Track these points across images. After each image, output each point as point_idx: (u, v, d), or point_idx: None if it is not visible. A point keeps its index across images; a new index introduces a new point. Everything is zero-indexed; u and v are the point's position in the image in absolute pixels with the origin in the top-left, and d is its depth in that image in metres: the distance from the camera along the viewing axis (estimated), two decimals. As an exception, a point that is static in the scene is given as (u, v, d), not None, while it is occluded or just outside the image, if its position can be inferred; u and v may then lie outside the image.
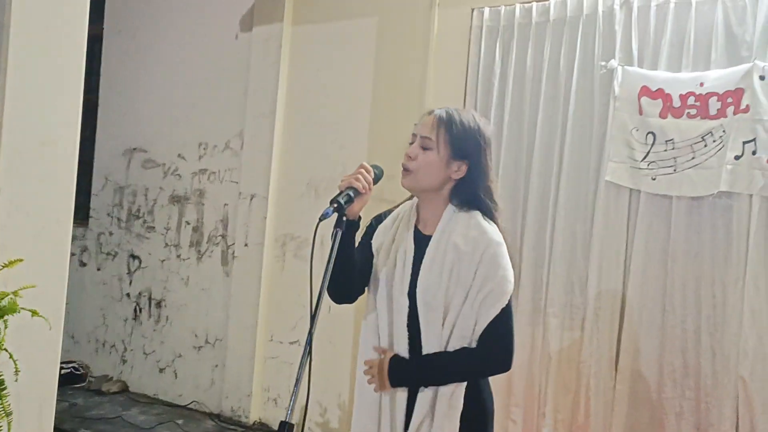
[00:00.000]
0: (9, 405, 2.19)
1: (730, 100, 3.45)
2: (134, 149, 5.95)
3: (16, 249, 2.36)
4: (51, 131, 2.54)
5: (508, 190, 4.07)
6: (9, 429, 2.23)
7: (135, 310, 5.87)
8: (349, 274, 2.19)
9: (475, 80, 4.29)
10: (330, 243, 2.06)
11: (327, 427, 4.83)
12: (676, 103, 3.60)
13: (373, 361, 2.17)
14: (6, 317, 2.27)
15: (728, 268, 3.45)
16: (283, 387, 5.08)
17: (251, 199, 5.21)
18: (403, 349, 2.15)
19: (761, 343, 3.36)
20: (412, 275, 2.15)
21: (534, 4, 4.09)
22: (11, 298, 2.26)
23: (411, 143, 2.21)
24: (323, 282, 1.99)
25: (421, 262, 2.15)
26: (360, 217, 2.17)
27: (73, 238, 2.65)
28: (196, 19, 5.66)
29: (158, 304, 5.74)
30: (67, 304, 2.66)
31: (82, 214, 6.01)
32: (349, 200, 2.06)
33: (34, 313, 2.01)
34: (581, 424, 3.79)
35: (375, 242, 2.29)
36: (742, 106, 3.40)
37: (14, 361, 2.24)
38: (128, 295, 5.92)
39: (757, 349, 3.35)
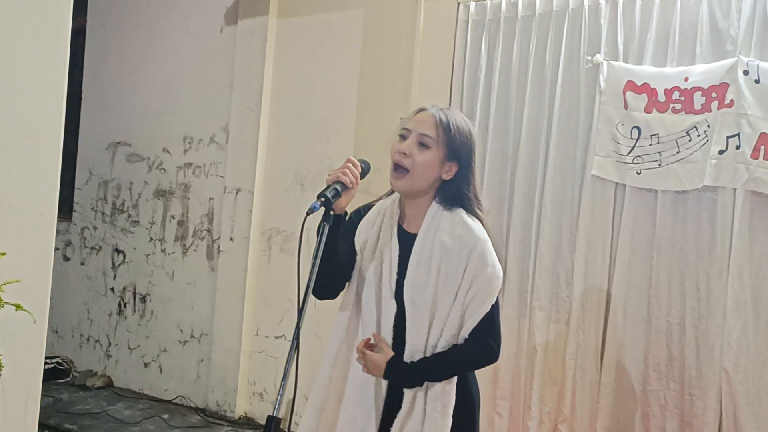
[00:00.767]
0: (-6, 400, 2.17)
1: (714, 94, 3.47)
2: (118, 143, 5.91)
3: (0, 243, 2.34)
4: (35, 124, 2.51)
5: (494, 184, 4.08)
6: (-6, 424, 2.21)
7: (119, 305, 5.84)
8: (334, 270, 2.19)
9: (461, 74, 4.30)
10: (316, 237, 2.05)
11: (313, 421, 4.83)
12: (661, 97, 3.62)
13: (368, 354, 2.15)
14: (-11, 312, 2.25)
15: (712, 261, 3.48)
16: (269, 381, 5.07)
17: (237, 193, 5.19)
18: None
19: (745, 335, 3.39)
20: (398, 275, 2.14)
21: (520, -2, 4.09)
22: (-6, 293, 2.24)
23: (402, 138, 2.18)
24: (310, 276, 1.98)
25: (406, 261, 2.15)
26: (346, 212, 2.16)
27: (57, 232, 2.62)
28: (180, 11, 5.62)
29: (143, 299, 5.71)
30: (50, 298, 2.64)
31: (65, 208, 5.97)
32: (337, 194, 2.05)
33: (18, 307, 1.99)
34: (567, 417, 3.81)
35: (358, 240, 2.26)
36: (727, 101, 3.42)
37: (-2, 356, 2.23)
38: (113, 289, 5.89)
39: (740, 341, 3.39)
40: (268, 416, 1.80)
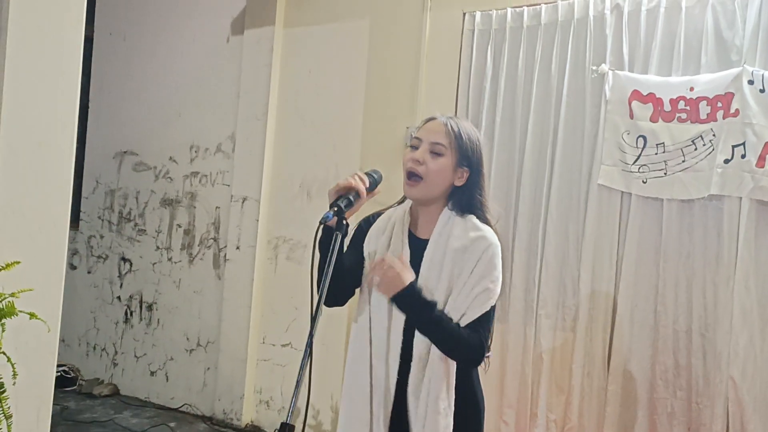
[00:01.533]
0: (9, 408, 2.19)
1: (720, 104, 3.48)
2: (125, 152, 5.95)
3: (13, 251, 2.36)
4: (48, 132, 2.54)
5: (500, 192, 4.10)
6: (8, 432, 2.23)
7: (126, 313, 5.86)
8: (339, 279, 2.19)
9: (467, 83, 4.32)
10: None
11: (320, 429, 4.84)
12: (667, 107, 3.64)
13: (396, 263, 2.12)
14: (3, 320, 2.27)
15: (719, 269, 3.49)
16: (276, 389, 5.08)
17: (243, 202, 5.21)
18: (395, 354, 2.17)
19: (751, 343, 3.39)
20: None
21: (525, 8, 4.12)
22: (9, 301, 2.26)
23: (414, 148, 2.22)
24: (323, 284, 2.00)
25: (417, 266, 2.17)
26: (348, 224, 2.20)
27: (66, 241, 2.66)
28: (187, 21, 5.66)
29: (149, 307, 5.73)
30: (60, 307, 2.66)
31: (72, 217, 5.96)
32: (350, 204, 2.08)
33: (32, 315, 2.01)
34: (574, 425, 3.82)
35: (368, 246, 2.29)
36: (732, 110, 3.44)
37: (12, 365, 2.24)
38: (119, 298, 5.91)
39: (747, 349, 3.39)
40: (282, 423, 1.81)
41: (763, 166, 3.35)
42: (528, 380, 3.98)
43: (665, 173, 3.62)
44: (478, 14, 4.29)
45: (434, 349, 2.14)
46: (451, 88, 4.39)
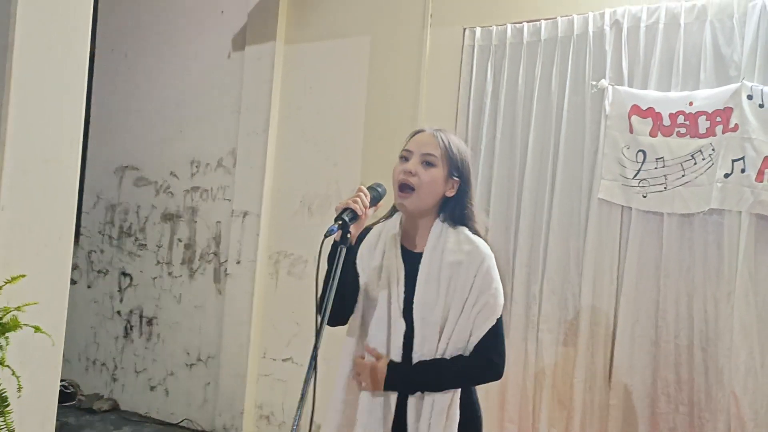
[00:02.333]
0: (12, 422, 2.19)
1: (719, 119, 3.51)
2: (126, 167, 5.96)
3: (19, 265, 2.37)
4: (54, 149, 2.56)
5: (501, 208, 4.12)
6: (12, 446, 2.23)
7: (126, 328, 5.86)
8: (345, 297, 2.22)
9: (467, 99, 4.34)
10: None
11: (320, 445, 4.83)
12: (666, 121, 3.66)
13: (365, 363, 2.18)
14: (8, 334, 2.27)
15: (719, 284, 3.50)
16: (277, 404, 5.07)
17: (244, 217, 5.22)
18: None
19: (752, 358, 3.40)
20: (405, 293, 2.18)
21: (525, 24, 4.15)
22: (14, 315, 2.27)
23: (404, 159, 2.25)
24: (328, 298, 2.01)
25: (413, 281, 2.18)
26: (358, 241, 2.21)
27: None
28: (188, 38, 5.69)
29: (149, 322, 5.73)
30: (60, 322, 2.66)
31: (73, 231, 6.00)
32: (354, 217, 2.09)
33: (37, 329, 2.02)
34: (575, 440, 3.81)
35: (360, 262, 2.30)
36: (731, 125, 3.46)
37: (17, 378, 2.25)
38: (119, 312, 5.91)
39: (748, 364, 3.39)
40: (287, 437, 1.82)
41: (762, 181, 3.37)
42: (529, 395, 3.97)
43: (665, 187, 3.63)
44: (478, 30, 4.33)
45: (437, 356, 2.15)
46: (452, 103, 4.42)
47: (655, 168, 3.68)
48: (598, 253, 3.81)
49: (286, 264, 5.09)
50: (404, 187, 2.22)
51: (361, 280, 2.28)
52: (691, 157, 3.59)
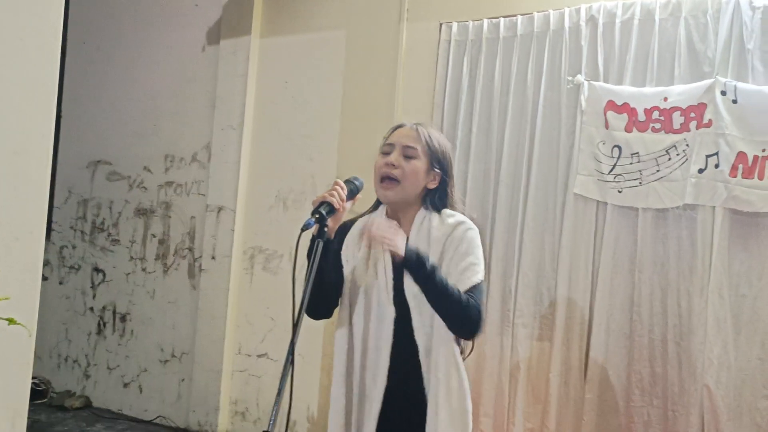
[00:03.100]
0: (-18, 419, 2.15)
1: (693, 114, 3.54)
2: (98, 162, 5.89)
3: (-12, 261, 2.33)
4: (24, 141, 2.51)
5: (477, 202, 4.12)
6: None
7: (99, 324, 5.79)
8: (327, 291, 2.24)
9: (443, 93, 4.34)
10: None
11: (296, 441, 4.82)
12: (641, 117, 3.68)
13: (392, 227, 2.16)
14: (-23, 330, 2.22)
15: (693, 279, 3.53)
16: (251, 400, 5.04)
17: (219, 212, 5.18)
18: (385, 357, 2.17)
19: (725, 352, 3.43)
20: (395, 280, 2.18)
21: (501, 19, 4.15)
22: (-17, 311, 2.22)
23: (386, 154, 2.28)
24: (305, 293, 1.99)
25: (400, 267, 2.18)
26: (338, 237, 2.21)
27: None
28: (162, 31, 5.63)
29: (123, 318, 5.67)
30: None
31: (44, 227, 5.91)
32: (331, 211, 2.10)
33: (11, 321, 1.97)
34: (551, 433, 3.83)
35: (345, 253, 2.31)
36: (705, 121, 3.49)
37: (-13, 375, 2.20)
38: (92, 309, 5.84)
39: (721, 358, 3.43)
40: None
41: (735, 176, 3.40)
42: (505, 389, 3.98)
43: (640, 183, 3.66)
44: (454, 25, 4.32)
45: (432, 343, 2.16)
46: (428, 98, 4.41)
47: (630, 163, 3.70)
48: (574, 247, 3.83)
49: (261, 259, 5.06)
50: (386, 179, 2.25)
51: (346, 271, 2.28)
52: (665, 153, 3.62)
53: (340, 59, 4.83)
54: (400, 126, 2.35)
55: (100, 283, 5.82)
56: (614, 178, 3.73)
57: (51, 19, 2.55)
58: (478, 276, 2.18)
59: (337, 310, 2.33)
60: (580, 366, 3.78)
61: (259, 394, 5.00)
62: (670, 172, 3.59)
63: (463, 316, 2.13)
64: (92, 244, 5.88)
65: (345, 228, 2.35)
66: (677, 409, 3.53)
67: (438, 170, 2.28)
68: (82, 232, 5.94)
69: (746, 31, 3.49)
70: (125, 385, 5.61)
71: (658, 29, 3.71)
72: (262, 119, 5.14)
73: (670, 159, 3.61)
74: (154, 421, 5.38)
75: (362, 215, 2.39)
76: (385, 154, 2.29)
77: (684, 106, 3.57)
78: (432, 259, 2.14)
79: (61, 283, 6.02)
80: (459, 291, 2.12)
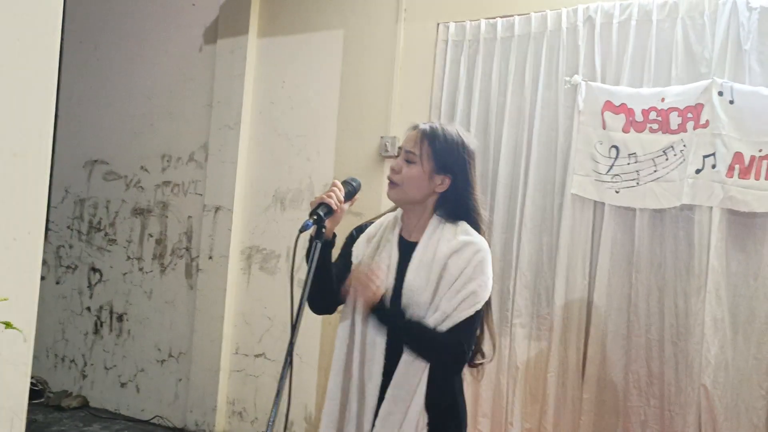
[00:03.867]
0: (-19, 420, 2.15)
1: (690, 115, 3.54)
2: (95, 161, 5.88)
3: (-13, 261, 2.33)
4: (23, 142, 2.51)
5: (475, 203, 4.11)
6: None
7: (96, 324, 5.78)
8: (326, 290, 2.23)
9: (441, 94, 4.35)
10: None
11: (293, 440, 4.82)
12: (639, 117, 3.69)
13: (368, 278, 2.16)
14: (-24, 331, 2.22)
15: (690, 279, 3.54)
16: (249, 400, 5.04)
17: (216, 212, 5.18)
18: (380, 353, 2.17)
19: (722, 352, 3.44)
20: (396, 280, 2.18)
21: (499, 19, 4.16)
22: (-19, 312, 2.22)
23: (397, 157, 2.29)
24: (303, 294, 2.00)
25: (405, 268, 2.19)
26: (335, 235, 2.21)
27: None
28: (159, 30, 5.63)
29: (120, 318, 5.67)
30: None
31: (41, 226, 5.90)
32: (329, 212, 2.10)
33: (8, 325, 1.97)
34: (548, 433, 3.84)
35: (356, 249, 2.33)
36: (702, 121, 3.50)
37: (-15, 376, 2.20)
38: (89, 308, 5.83)
39: (718, 357, 3.43)
40: (263, 434, 1.81)
41: (732, 176, 3.41)
42: (503, 390, 3.99)
43: (637, 183, 3.66)
44: (452, 25, 4.33)
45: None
46: (425, 98, 4.42)
47: (628, 164, 3.71)
48: (571, 248, 3.83)
49: (258, 259, 5.06)
50: (390, 183, 2.27)
51: (355, 264, 2.29)
52: (662, 153, 3.63)
53: (338, 59, 4.84)
54: (413, 128, 2.31)
55: (96, 283, 5.81)
56: (611, 178, 3.73)
57: (50, 18, 2.55)
58: (476, 307, 2.14)
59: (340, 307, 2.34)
60: (578, 366, 3.79)
61: (256, 394, 5.00)
62: (668, 173, 3.60)
63: (437, 360, 2.15)
64: (89, 244, 5.88)
65: (360, 229, 2.39)
66: (674, 409, 3.54)
67: (445, 174, 2.23)
68: (79, 231, 5.94)
69: (743, 32, 3.50)
70: (122, 385, 5.60)
71: (656, 30, 3.71)
72: (260, 119, 5.14)
73: (667, 159, 3.61)
74: (152, 421, 5.38)
75: (380, 216, 2.42)
76: (397, 157, 2.31)
77: (681, 107, 3.57)
78: (409, 312, 2.14)
79: (57, 283, 6.02)
80: (431, 332, 2.11)
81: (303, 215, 2.11)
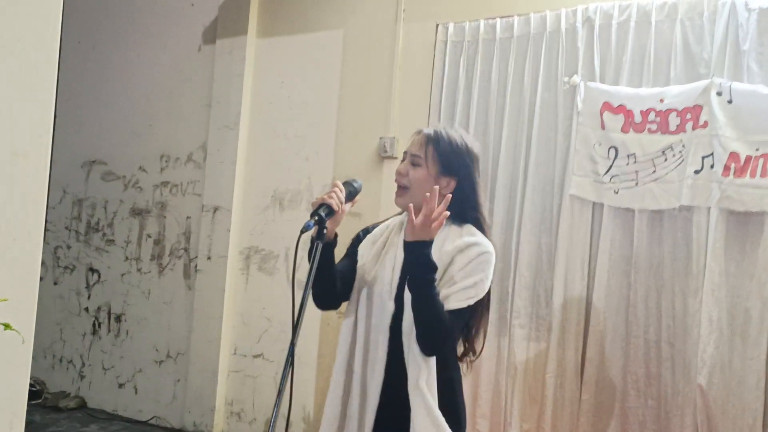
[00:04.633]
0: (-20, 421, 2.14)
1: (689, 116, 3.55)
2: (93, 161, 5.88)
3: (-14, 262, 2.32)
4: (23, 142, 2.50)
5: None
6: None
7: (94, 325, 5.78)
8: (329, 290, 2.24)
9: (440, 94, 4.35)
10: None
11: (291, 441, 4.82)
12: (638, 118, 3.69)
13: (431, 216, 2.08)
14: (-25, 331, 2.21)
15: (688, 280, 3.54)
16: (247, 401, 5.04)
17: (214, 212, 5.17)
18: (382, 352, 2.17)
19: (719, 352, 3.44)
20: (400, 279, 2.18)
21: (498, 20, 4.16)
22: (-20, 313, 2.21)
23: (402, 161, 2.29)
24: (304, 295, 2.00)
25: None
26: (337, 235, 2.21)
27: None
28: (158, 30, 5.62)
29: (118, 319, 5.66)
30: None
31: (39, 226, 5.89)
32: (330, 213, 2.10)
33: (6, 326, 1.97)
34: (547, 434, 3.84)
35: (362, 248, 2.34)
36: (701, 122, 3.50)
37: (-16, 376, 2.19)
38: (87, 309, 5.82)
39: (714, 358, 3.44)
40: (264, 433, 1.81)
41: (728, 176, 3.41)
42: (501, 390, 3.99)
43: (636, 184, 3.67)
44: (451, 26, 4.33)
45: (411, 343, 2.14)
46: (425, 99, 4.42)
47: (627, 164, 3.71)
48: (570, 248, 3.84)
49: (257, 259, 5.06)
50: (398, 187, 2.27)
51: (359, 265, 2.30)
52: (661, 154, 3.63)
53: (337, 60, 4.84)
54: (417, 132, 2.32)
55: (95, 284, 5.80)
56: (610, 179, 3.74)
57: (50, 17, 2.54)
58: (468, 301, 2.12)
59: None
60: (577, 367, 3.79)
61: (254, 395, 5.00)
62: (666, 174, 3.60)
63: (427, 331, 2.11)
64: (87, 245, 5.87)
65: (367, 231, 2.41)
66: (671, 410, 3.54)
67: (450, 177, 2.24)
68: (77, 232, 5.93)
69: (742, 32, 3.50)
70: (120, 386, 5.60)
71: (655, 31, 3.72)
72: (259, 119, 5.14)
73: (666, 160, 3.61)
74: (150, 422, 5.37)
75: (388, 219, 2.43)
76: (402, 161, 2.31)
77: (680, 108, 3.58)
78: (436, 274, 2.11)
79: (55, 284, 6.01)
80: (440, 310, 2.08)
81: (302, 215, 2.12)
